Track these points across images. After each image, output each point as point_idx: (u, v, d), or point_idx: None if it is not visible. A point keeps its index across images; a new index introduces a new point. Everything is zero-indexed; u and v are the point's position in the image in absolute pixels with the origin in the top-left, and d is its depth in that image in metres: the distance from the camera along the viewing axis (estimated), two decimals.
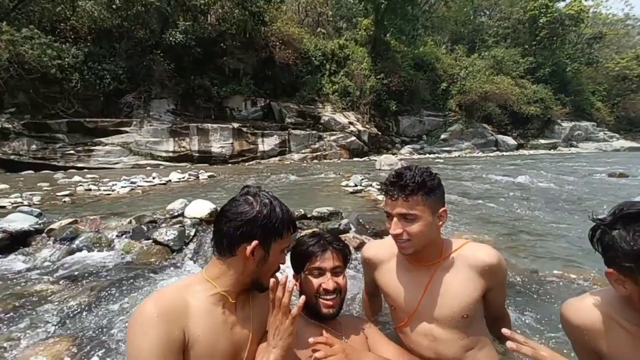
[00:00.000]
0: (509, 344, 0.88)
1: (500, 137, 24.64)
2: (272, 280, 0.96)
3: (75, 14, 13.66)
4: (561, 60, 28.88)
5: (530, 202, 5.14)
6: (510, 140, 24.75)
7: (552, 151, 24.84)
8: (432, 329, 1.20)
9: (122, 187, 5.97)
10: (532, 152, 23.84)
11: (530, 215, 4.30)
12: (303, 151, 18.27)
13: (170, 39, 14.37)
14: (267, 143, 17.64)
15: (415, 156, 20.17)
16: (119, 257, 2.57)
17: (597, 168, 10.39)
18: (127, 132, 14.63)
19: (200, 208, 3.27)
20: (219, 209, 1.04)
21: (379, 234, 3.14)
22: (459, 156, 20.64)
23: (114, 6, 13.15)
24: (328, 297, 1.14)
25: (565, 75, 29.04)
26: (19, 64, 11.52)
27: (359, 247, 2.71)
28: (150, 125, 15.22)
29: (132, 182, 6.61)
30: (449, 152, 22.04)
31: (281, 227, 0.98)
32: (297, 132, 18.31)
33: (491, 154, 21.82)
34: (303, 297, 1.00)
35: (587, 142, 27.71)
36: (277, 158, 17.66)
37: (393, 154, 18.82)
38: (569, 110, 27.63)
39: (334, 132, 19.22)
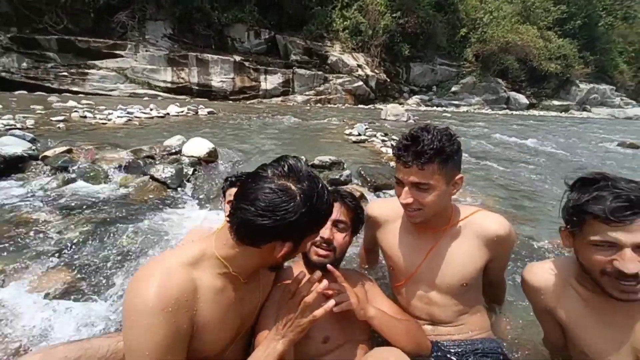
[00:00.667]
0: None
1: (513, 94, 23.59)
2: (301, 272, 0.88)
3: None
4: (596, 12, 26.37)
5: (536, 167, 5.06)
6: (523, 99, 23.75)
7: (563, 114, 24.01)
8: (428, 293, 1.20)
9: (118, 116, 5.76)
10: (542, 113, 23.06)
11: (534, 180, 4.25)
12: (307, 93, 17.53)
13: None
14: (270, 81, 16.81)
15: (422, 108, 19.50)
16: (115, 190, 2.54)
17: (609, 136, 10.14)
18: (121, 55, 13.78)
19: (199, 147, 3.17)
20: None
21: (379, 188, 3.11)
22: (467, 111, 19.98)
23: None
24: (322, 246, 1.10)
25: (596, 30, 26.76)
26: None
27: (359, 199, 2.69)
28: (147, 51, 14.28)
29: (128, 113, 6.38)
30: (457, 106, 21.27)
31: (321, 222, 0.83)
32: (302, 71, 17.34)
33: (500, 112, 21.12)
34: (331, 301, 0.91)
35: (601, 107, 26.66)
36: (280, 98, 17.00)
37: (400, 104, 18.16)
38: (590, 71, 26.04)
39: (341, 75, 18.24)
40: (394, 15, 18.39)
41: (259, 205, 0.72)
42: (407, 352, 0.98)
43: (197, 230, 1.47)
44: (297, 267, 1.22)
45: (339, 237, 1.13)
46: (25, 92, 11.13)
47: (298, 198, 0.74)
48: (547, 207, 3.28)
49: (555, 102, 25.28)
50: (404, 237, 1.23)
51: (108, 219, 2.06)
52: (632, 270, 0.79)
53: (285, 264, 1.42)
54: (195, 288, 0.78)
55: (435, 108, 19.85)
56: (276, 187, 0.74)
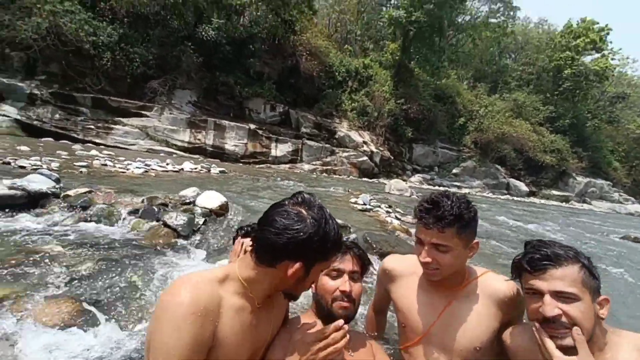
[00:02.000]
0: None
1: (512, 181, 24.36)
2: (338, 323, 0.91)
3: None
4: (582, 114, 28.80)
5: None
6: (523, 186, 24.43)
7: (564, 204, 24.37)
8: (440, 357, 1.16)
9: (136, 167, 6.05)
10: (543, 201, 23.45)
11: None
12: (314, 162, 18.36)
13: (203, 33, 14.84)
14: (280, 149, 17.80)
15: (425, 186, 20.07)
16: (128, 232, 2.58)
17: (612, 229, 10.20)
18: (147, 116, 14.93)
19: (212, 199, 3.29)
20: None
21: (384, 255, 3.09)
22: (469, 193, 20.45)
23: None
24: (344, 299, 1.12)
25: (584, 130, 28.90)
26: (56, 34, 11.97)
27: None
28: (170, 114, 15.51)
29: (146, 165, 6.70)
30: (459, 187, 21.84)
31: (331, 250, 0.90)
32: (311, 142, 18.46)
33: (501, 197, 21.58)
34: None
35: (601, 201, 27.14)
36: (288, 165, 17.76)
37: (403, 180, 18.78)
38: (585, 165, 27.30)
39: (347, 149, 19.32)
40: (398, 101, 20.29)
41: (275, 225, 0.85)
42: None
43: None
44: (307, 316, 1.21)
45: (356, 288, 1.16)
46: (51, 139, 11.83)
47: (308, 221, 0.85)
48: None
49: (555, 192, 25.86)
50: (418, 294, 1.24)
51: (116, 258, 2.07)
52: (548, 313, 0.89)
53: (294, 313, 1.41)
54: (219, 302, 0.84)
55: (437, 187, 20.37)
56: (291, 210, 0.87)
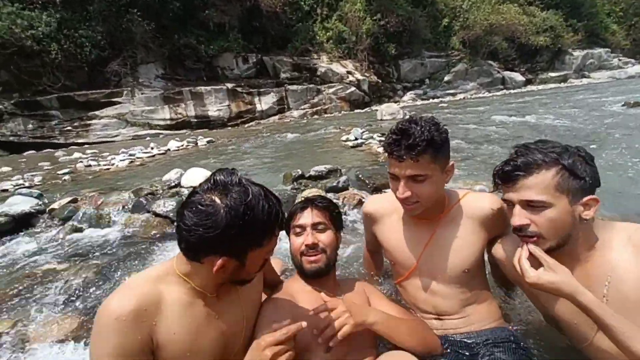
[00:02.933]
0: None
1: (507, 73, 23.35)
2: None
3: None
4: None
5: None
6: (518, 77, 23.48)
7: (562, 84, 23.61)
8: (431, 284, 1.18)
9: (120, 160, 5.94)
10: (541, 87, 22.70)
11: None
12: (302, 107, 17.75)
13: None
14: (265, 102, 17.11)
15: (419, 102, 19.48)
16: (121, 232, 2.60)
17: (611, 98, 9.91)
18: (119, 102, 14.24)
19: (196, 176, 3.24)
20: (194, 191, 0.81)
21: (378, 189, 3.09)
22: (464, 98, 19.86)
23: None
24: (310, 252, 1.11)
25: None
26: None
27: (358, 204, 2.69)
28: (142, 94, 14.75)
29: (130, 155, 6.57)
30: (453, 95, 21.16)
31: (260, 235, 0.79)
32: (294, 87, 17.62)
33: (498, 93, 20.92)
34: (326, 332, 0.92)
35: (600, 71, 26.10)
36: (277, 117, 17.25)
37: (395, 102, 18.21)
38: (581, 37, 25.66)
39: (333, 84, 18.45)
40: (374, 18, 18.65)
41: (185, 222, 0.75)
42: (416, 352, 0.97)
43: None
44: (293, 281, 1.21)
45: (323, 238, 1.14)
46: (34, 151, 11.55)
47: (222, 212, 0.73)
48: None
49: (552, 74, 24.87)
50: (401, 230, 1.23)
51: (114, 260, 2.10)
52: (515, 222, 0.91)
53: (282, 278, 1.42)
54: (159, 300, 0.79)
55: (431, 100, 19.78)
56: (200, 202, 0.75)
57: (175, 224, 2.69)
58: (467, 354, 1.10)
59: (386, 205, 1.29)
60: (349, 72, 18.73)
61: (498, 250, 1.14)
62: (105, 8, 13.33)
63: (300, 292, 1.13)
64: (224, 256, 0.77)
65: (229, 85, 16.26)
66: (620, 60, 27.48)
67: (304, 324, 0.84)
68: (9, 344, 1.35)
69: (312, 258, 1.11)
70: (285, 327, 0.83)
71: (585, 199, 0.87)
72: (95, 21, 13.13)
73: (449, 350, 1.12)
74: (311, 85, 18.05)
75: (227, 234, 0.74)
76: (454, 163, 1.11)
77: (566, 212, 0.87)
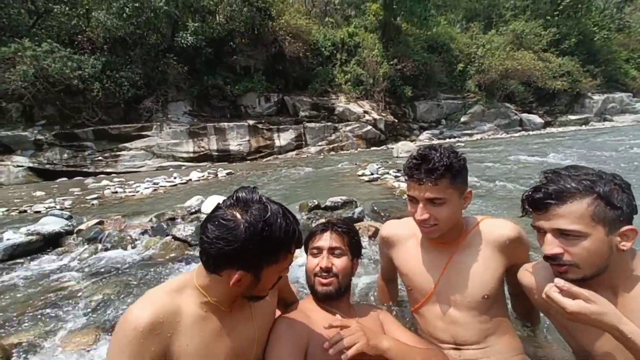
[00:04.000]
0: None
1: (525, 115, 23.34)
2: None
3: (89, 25, 14.22)
4: (588, 28, 26.81)
5: None
6: (537, 119, 23.38)
7: (583, 127, 23.26)
8: (449, 311, 1.15)
9: (145, 188, 6.22)
10: (561, 129, 22.44)
11: None
12: (319, 144, 18.25)
13: (182, 41, 14.70)
14: (283, 138, 17.76)
15: (435, 141, 19.59)
16: (141, 253, 2.68)
17: (634, 141, 9.69)
18: (148, 135, 15.17)
19: (215, 203, 3.34)
20: (218, 206, 0.87)
21: None
22: (481, 139, 19.88)
23: (124, 15, 13.53)
24: (325, 275, 1.12)
25: (593, 45, 26.97)
26: (43, 77, 12.17)
27: (373, 235, 2.68)
28: (170, 128, 15.70)
29: (154, 183, 6.87)
30: (470, 135, 21.20)
31: (277, 251, 0.82)
32: (312, 124, 18.29)
33: (516, 134, 20.83)
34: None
35: (624, 115, 25.68)
36: (294, 152, 17.75)
37: (412, 141, 18.42)
38: (600, 82, 25.69)
39: (350, 123, 19.02)
40: (391, 63, 19.55)
41: (207, 234, 0.79)
42: None
43: None
44: (307, 301, 1.22)
45: (338, 262, 1.15)
46: (65, 178, 12.28)
47: (242, 227, 0.77)
48: None
49: (572, 117, 24.60)
50: (419, 254, 1.23)
51: (133, 279, 2.16)
52: (547, 251, 0.88)
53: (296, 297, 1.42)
54: (176, 311, 0.81)
55: (447, 140, 19.86)
56: (222, 217, 0.79)
57: (193, 247, 2.77)
58: None
59: (403, 230, 1.30)
60: (365, 112, 19.35)
61: (525, 276, 1.09)
62: (145, 53, 14.78)
63: (314, 312, 1.14)
64: (240, 270, 0.80)
65: (251, 122, 17.09)
66: None
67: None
68: (31, 354, 1.39)
69: (325, 281, 1.13)
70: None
71: (623, 229, 0.83)
72: (136, 64, 14.50)
73: None
74: (329, 123, 18.67)
75: (246, 249, 0.77)
76: (472, 191, 1.14)
77: (602, 242, 0.84)
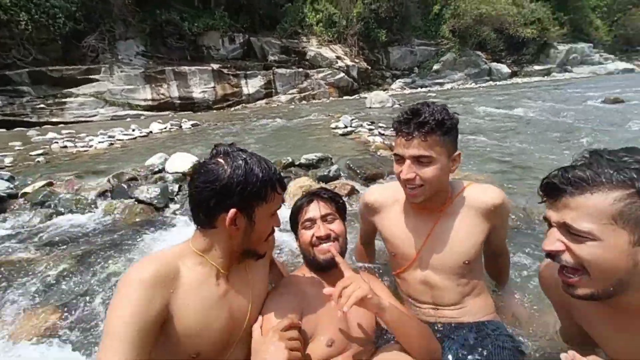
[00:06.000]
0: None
1: (494, 65, 23.63)
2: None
3: None
4: None
5: (524, 135, 5.07)
6: (504, 69, 23.81)
7: (545, 78, 24.12)
8: (430, 276, 1.17)
9: (99, 142, 5.65)
10: (525, 79, 23.14)
11: (523, 149, 4.25)
12: (290, 92, 17.41)
13: None
14: (252, 85, 16.67)
15: (407, 91, 19.46)
16: (101, 218, 2.47)
17: (592, 94, 10.18)
18: (97, 80, 13.55)
19: (181, 162, 3.11)
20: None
21: (370, 178, 3.07)
22: (451, 88, 20.00)
23: None
24: (323, 243, 1.10)
25: None
26: None
27: (350, 194, 2.66)
28: (122, 72, 14.06)
29: (110, 137, 6.25)
30: (441, 84, 21.26)
31: (262, 189, 0.86)
32: (282, 70, 17.20)
33: (484, 85, 21.19)
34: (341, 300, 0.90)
35: (582, 66, 26.76)
36: (264, 101, 16.87)
37: (384, 90, 18.11)
38: (566, 31, 26.13)
39: (322, 69, 18.12)
40: (365, 1, 18.26)
41: (195, 185, 0.85)
42: (417, 355, 0.94)
43: None
44: (299, 273, 1.19)
45: (335, 227, 1.13)
46: (4, 130, 10.89)
47: (225, 166, 0.84)
48: (539, 175, 3.27)
49: (537, 67, 25.31)
50: (403, 221, 1.21)
51: (95, 250, 2.00)
52: (545, 247, 0.74)
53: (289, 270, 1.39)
54: (177, 271, 0.84)
55: (419, 90, 19.81)
56: (206, 164, 0.86)
57: (160, 210, 2.60)
58: (458, 341, 1.10)
59: (387, 196, 1.27)
60: (338, 57, 18.41)
61: (546, 274, 0.99)
62: None
63: (307, 282, 1.13)
64: (232, 208, 0.83)
65: (215, 66, 15.70)
66: (601, 56, 28.19)
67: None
68: None
69: (327, 247, 1.10)
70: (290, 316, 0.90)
71: None
72: None
73: (439, 335, 1.12)
74: (300, 70, 17.66)
75: (232, 184, 0.82)
76: (461, 153, 1.08)
77: (621, 251, 0.66)
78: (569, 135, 4.89)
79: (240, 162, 0.84)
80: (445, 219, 1.14)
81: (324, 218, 1.13)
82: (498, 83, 21.86)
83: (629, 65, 27.22)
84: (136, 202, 2.61)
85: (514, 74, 24.20)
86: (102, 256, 1.91)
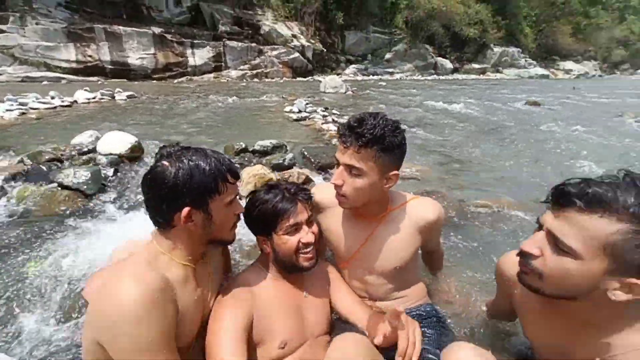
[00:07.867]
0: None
1: (439, 59, 25.27)
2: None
3: None
4: None
5: (462, 131, 5.51)
6: (448, 64, 25.62)
7: (481, 76, 26.55)
8: (364, 275, 1.23)
9: (7, 110, 4.74)
10: (464, 76, 25.18)
11: (461, 143, 4.63)
12: (241, 67, 16.51)
13: None
14: (199, 56, 15.41)
15: (359, 77, 19.76)
16: (13, 207, 2.10)
17: (517, 95, 11.42)
18: (3, 31, 11.33)
19: (118, 142, 2.75)
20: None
21: (324, 167, 3.07)
22: (400, 79, 20.82)
23: None
24: (308, 250, 1.06)
25: None
26: None
27: (305, 183, 2.63)
28: (37, 24, 11.94)
29: (21, 104, 5.28)
30: (391, 74, 22.05)
31: (212, 182, 0.87)
32: (234, 43, 16.17)
33: (429, 77, 22.49)
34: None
35: (510, 69, 30.01)
36: (212, 75, 15.77)
37: (337, 74, 18.13)
38: (502, 35, 28.86)
39: (276, 46, 17.44)
40: None
41: (146, 190, 0.86)
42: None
43: (133, 241, 1.28)
44: (254, 270, 1.13)
45: (316, 230, 1.11)
46: None
47: (170, 167, 0.83)
48: (475, 169, 3.60)
49: (475, 66, 27.76)
50: (343, 224, 1.23)
51: (6, 244, 1.70)
52: (524, 247, 0.75)
53: (241, 269, 1.32)
54: (167, 278, 0.84)
55: (371, 77, 20.26)
56: (153, 168, 0.85)
57: (90, 197, 2.30)
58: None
59: (332, 196, 1.23)
60: (294, 36, 17.86)
61: (506, 266, 1.04)
62: None
63: (262, 284, 1.08)
64: (186, 206, 0.84)
65: (156, 30, 14.15)
66: (526, 60, 31.79)
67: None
68: None
69: (311, 255, 1.07)
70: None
71: (631, 280, 0.62)
72: None
73: None
74: (253, 44, 16.79)
75: (180, 184, 0.82)
76: (399, 174, 1.07)
77: (592, 276, 0.66)
78: (498, 132, 5.48)
79: (185, 160, 0.84)
80: (384, 227, 1.17)
81: (308, 222, 1.09)
82: (442, 77, 23.41)
83: (545, 72, 31.30)
84: (59, 188, 2.26)
85: (455, 70, 26.22)
86: (14, 253, 1.62)
